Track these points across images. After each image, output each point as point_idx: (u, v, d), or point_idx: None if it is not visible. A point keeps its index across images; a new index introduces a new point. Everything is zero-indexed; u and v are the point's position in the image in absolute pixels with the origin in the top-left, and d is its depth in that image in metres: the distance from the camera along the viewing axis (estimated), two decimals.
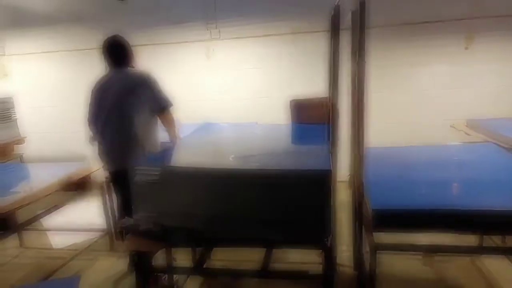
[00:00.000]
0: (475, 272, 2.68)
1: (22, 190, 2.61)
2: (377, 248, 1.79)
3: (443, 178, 2.19)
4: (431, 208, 1.73)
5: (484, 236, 2.83)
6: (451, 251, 2.27)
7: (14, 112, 4.39)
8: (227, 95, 4.87)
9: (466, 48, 4.24)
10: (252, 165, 1.90)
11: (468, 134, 3.29)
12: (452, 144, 3.15)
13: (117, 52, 2.62)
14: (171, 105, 2.61)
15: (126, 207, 2.65)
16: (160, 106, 2.58)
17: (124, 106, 2.54)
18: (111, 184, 2.88)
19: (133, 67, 2.68)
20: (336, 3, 1.96)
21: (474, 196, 1.90)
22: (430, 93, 4.44)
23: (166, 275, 2.66)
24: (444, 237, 1.77)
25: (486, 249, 2.70)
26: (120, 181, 2.67)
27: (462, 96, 4.36)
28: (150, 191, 1.79)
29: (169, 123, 2.63)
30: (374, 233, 1.82)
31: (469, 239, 2.77)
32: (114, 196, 2.97)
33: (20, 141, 4.42)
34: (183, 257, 2.95)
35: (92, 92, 2.69)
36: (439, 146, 3.06)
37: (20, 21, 5.19)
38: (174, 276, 2.65)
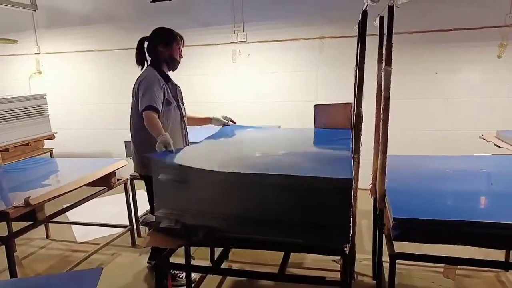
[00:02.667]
0: None
1: (51, 184, 2.71)
2: (396, 257, 1.76)
3: (469, 190, 2.14)
4: (455, 220, 1.69)
5: (511, 251, 2.74)
6: (475, 265, 2.21)
7: (47, 109, 4.55)
8: (251, 98, 4.90)
9: (499, 57, 4.12)
10: (274, 168, 1.91)
11: (498, 146, 3.18)
12: (480, 155, 3.06)
13: (138, 53, 2.67)
14: (145, 110, 2.41)
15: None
16: (140, 110, 2.46)
17: (134, 106, 2.58)
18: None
19: (150, 65, 2.65)
20: (364, 8, 1.95)
21: (501, 210, 1.83)
22: (459, 101, 4.33)
23: (184, 274, 2.70)
24: (467, 249, 1.72)
25: None
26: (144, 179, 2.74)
27: (493, 106, 4.23)
28: (173, 189, 1.83)
29: (146, 124, 2.41)
30: (394, 243, 1.80)
31: (495, 253, 2.69)
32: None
33: (51, 136, 4.58)
34: (201, 256, 3.00)
35: None
36: (466, 156, 2.98)
37: (56, 21, 5.40)
38: (192, 274, 2.68)
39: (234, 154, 2.36)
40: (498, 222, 1.65)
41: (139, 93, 2.51)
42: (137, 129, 2.60)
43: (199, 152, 2.34)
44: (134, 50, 2.69)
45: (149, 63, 2.68)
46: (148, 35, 2.67)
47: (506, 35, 4.06)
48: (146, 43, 2.65)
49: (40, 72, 5.62)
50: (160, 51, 2.63)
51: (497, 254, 2.74)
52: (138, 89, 2.53)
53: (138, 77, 2.62)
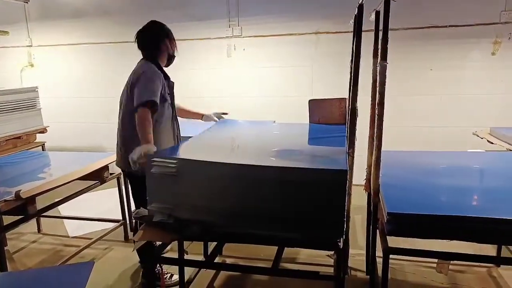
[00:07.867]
0: (491, 283, 2.61)
1: (42, 178, 2.68)
2: (390, 252, 1.76)
3: (462, 186, 2.14)
4: (448, 215, 1.69)
5: (503, 247, 2.76)
6: (467, 260, 2.22)
7: (39, 102, 4.50)
8: (246, 92, 4.88)
9: (493, 54, 4.14)
10: (268, 161, 1.90)
11: (491, 143, 3.20)
12: (474, 151, 3.08)
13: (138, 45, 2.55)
14: (143, 104, 2.28)
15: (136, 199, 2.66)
16: (135, 104, 2.32)
17: (126, 99, 2.45)
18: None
19: (146, 59, 2.51)
20: (359, 3, 1.94)
21: (493, 205, 1.84)
22: (453, 98, 4.35)
23: (172, 274, 2.68)
24: (460, 244, 1.72)
25: (504, 259, 2.63)
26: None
27: (487, 103, 4.26)
28: (166, 183, 1.81)
29: (137, 122, 2.29)
30: (388, 238, 1.80)
31: (487, 249, 2.71)
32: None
33: (43, 130, 4.54)
34: (194, 251, 2.98)
35: None
36: (460, 152, 2.99)
37: (48, 13, 5.32)
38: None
39: (227, 148, 2.35)
40: (490, 217, 1.66)
41: (136, 86, 2.34)
42: (126, 123, 2.45)
43: (192, 145, 2.32)
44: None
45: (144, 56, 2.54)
46: (142, 27, 2.55)
47: (500, 32, 4.08)
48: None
49: (32, 65, 5.55)
50: (163, 46, 2.52)
51: (489, 250, 2.76)
52: (136, 82, 2.36)
53: (134, 70, 2.47)
